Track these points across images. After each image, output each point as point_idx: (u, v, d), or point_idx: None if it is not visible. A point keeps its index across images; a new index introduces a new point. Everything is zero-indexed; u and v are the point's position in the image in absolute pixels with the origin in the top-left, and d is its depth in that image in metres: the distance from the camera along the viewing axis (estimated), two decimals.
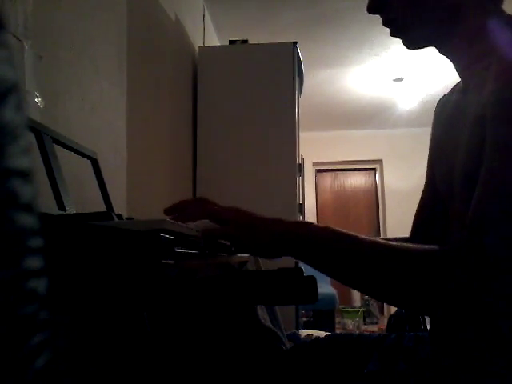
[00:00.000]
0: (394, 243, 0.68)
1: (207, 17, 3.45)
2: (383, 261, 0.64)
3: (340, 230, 0.69)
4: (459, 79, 0.83)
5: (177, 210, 0.76)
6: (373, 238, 0.68)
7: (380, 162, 6.71)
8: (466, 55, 0.76)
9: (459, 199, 0.70)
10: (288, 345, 1.07)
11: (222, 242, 0.78)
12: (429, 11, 0.75)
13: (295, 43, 2.81)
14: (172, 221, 0.60)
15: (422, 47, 0.81)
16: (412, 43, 0.80)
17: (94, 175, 1.21)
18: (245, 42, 2.97)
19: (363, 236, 0.68)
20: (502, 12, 0.74)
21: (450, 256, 0.61)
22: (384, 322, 4.93)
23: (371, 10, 0.79)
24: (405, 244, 0.67)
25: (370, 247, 0.66)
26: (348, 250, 0.67)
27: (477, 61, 0.73)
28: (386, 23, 0.79)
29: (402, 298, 0.66)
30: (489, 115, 0.63)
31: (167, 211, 0.76)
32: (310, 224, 0.72)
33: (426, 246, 0.64)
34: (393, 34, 0.80)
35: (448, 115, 0.84)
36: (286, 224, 0.71)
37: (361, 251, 0.66)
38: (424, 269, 0.62)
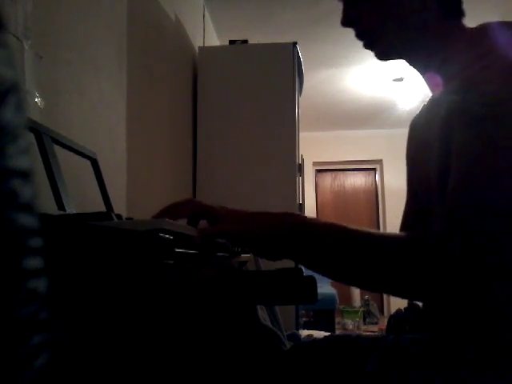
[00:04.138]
0: (373, 230, 0.68)
1: (207, 17, 3.45)
2: (359, 248, 0.65)
3: (331, 222, 0.70)
4: None
5: (167, 212, 0.77)
6: (349, 227, 0.68)
7: (380, 162, 6.71)
8: (431, 66, 0.81)
9: (436, 196, 0.72)
10: (288, 345, 1.07)
11: (219, 240, 0.78)
12: (398, 26, 0.81)
13: (295, 43, 2.81)
14: (171, 221, 0.60)
15: (393, 59, 0.87)
16: (383, 55, 0.86)
17: (93, 175, 1.21)
18: (245, 42, 2.97)
19: (349, 226, 0.68)
20: (463, 26, 0.81)
21: (422, 243, 0.62)
22: (384, 322, 4.92)
23: (344, 24, 0.84)
24: (381, 232, 0.69)
25: (349, 235, 0.67)
26: (329, 238, 0.68)
27: (439, 70, 0.79)
28: (358, 36, 0.85)
29: (382, 285, 0.67)
30: (455, 122, 0.67)
31: (158, 216, 0.77)
32: (294, 214, 0.72)
33: (401, 233, 0.65)
34: (365, 47, 0.86)
35: (420, 126, 0.89)
36: (275, 215, 0.71)
37: (339, 238, 0.67)
38: (394, 254, 0.63)
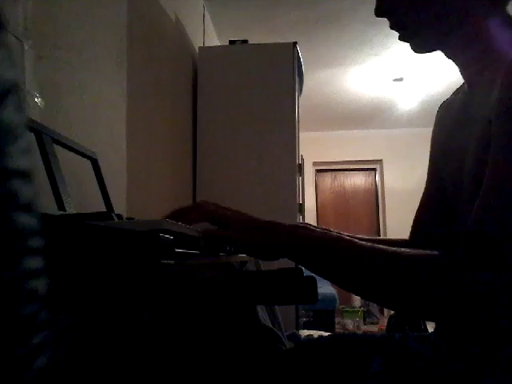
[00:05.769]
0: (393, 248, 0.65)
1: (207, 17, 3.45)
2: (384, 267, 0.62)
3: (338, 234, 0.68)
4: (460, 80, 0.83)
5: (176, 217, 0.76)
6: (371, 244, 0.66)
7: (380, 162, 6.72)
8: (470, 57, 0.76)
9: (469, 202, 0.69)
10: (288, 345, 1.07)
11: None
12: (436, 16, 0.75)
13: (295, 43, 2.81)
14: (172, 221, 0.60)
15: (430, 51, 0.81)
16: (420, 47, 0.80)
17: (94, 175, 1.21)
18: (245, 42, 2.97)
19: (361, 242, 0.66)
20: (508, 15, 0.74)
21: (452, 261, 0.59)
22: (384, 322, 4.92)
23: (379, 13, 0.78)
24: (404, 249, 0.65)
25: (370, 253, 0.64)
26: (347, 256, 0.65)
27: (480, 62, 0.74)
28: (393, 27, 0.79)
29: (400, 303, 0.64)
30: (494, 115, 0.62)
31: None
32: (307, 227, 0.71)
33: (427, 251, 0.62)
34: (401, 38, 0.80)
35: (453, 117, 0.83)
36: (284, 227, 0.70)
37: (360, 257, 0.64)
38: (427, 275, 0.60)
